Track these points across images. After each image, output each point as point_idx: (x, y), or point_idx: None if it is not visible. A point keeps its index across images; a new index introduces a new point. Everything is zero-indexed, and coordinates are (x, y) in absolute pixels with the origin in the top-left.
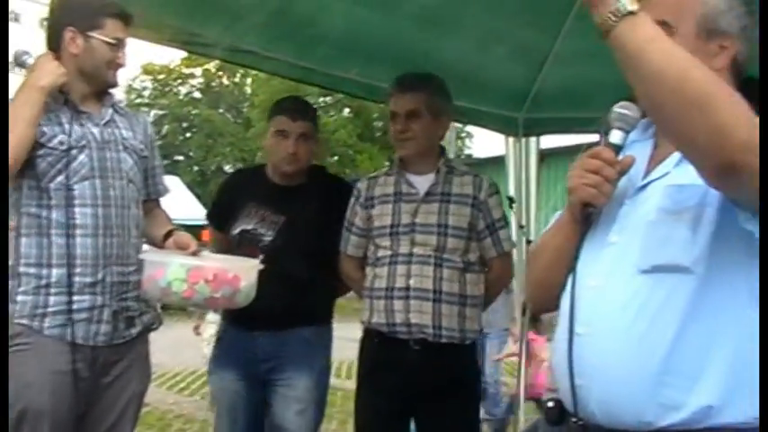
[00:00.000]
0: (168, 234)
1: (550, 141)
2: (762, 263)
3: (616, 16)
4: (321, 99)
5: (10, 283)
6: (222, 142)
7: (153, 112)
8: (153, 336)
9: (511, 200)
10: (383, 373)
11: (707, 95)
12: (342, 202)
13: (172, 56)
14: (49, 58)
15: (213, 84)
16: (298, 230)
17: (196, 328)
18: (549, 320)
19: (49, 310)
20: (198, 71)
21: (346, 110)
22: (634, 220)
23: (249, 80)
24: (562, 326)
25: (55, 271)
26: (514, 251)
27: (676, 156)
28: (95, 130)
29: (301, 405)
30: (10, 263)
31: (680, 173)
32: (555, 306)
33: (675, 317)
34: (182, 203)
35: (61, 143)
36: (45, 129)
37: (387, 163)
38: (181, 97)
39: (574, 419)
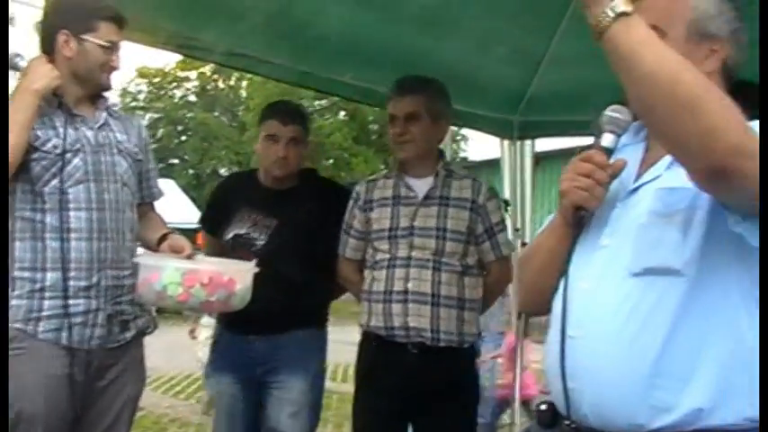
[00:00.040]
0: (163, 237)
1: (545, 144)
2: (762, 264)
3: (610, 17)
4: (316, 102)
5: None
6: (217, 146)
7: (148, 116)
8: (148, 339)
9: (506, 203)
10: (381, 376)
11: (698, 98)
12: (334, 205)
13: (167, 59)
14: (42, 60)
15: (208, 87)
16: (290, 233)
17: (192, 332)
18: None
19: (44, 314)
20: (193, 74)
21: (341, 113)
22: (625, 224)
23: (244, 83)
24: (554, 329)
25: (49, 275)
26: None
27: (667, 159)
28: (90, 134)
29: (295, 408)
30: None
31: (671, 176)
32: (547, 309)
33: (666, 319)
34: (177, 207)
35: (55, 147)
36: (39, 132)
37: (382, 166)
38: (176, 100)
39: (566, 422)
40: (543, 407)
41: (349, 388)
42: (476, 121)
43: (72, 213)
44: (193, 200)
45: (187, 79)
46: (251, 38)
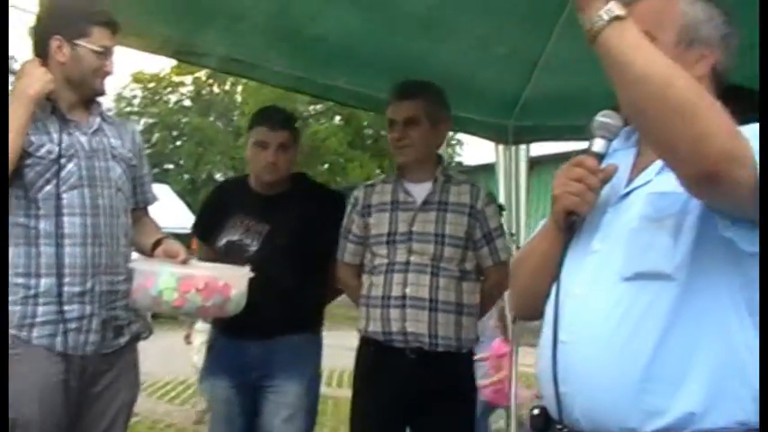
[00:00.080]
0: (157, 242)
1: (540, 149)
2: (762, 265)
3: (603, 21)
4: (311, 107)
5: None
6: (212, 151)
7: (143, 121)
8: (143, 344)
9: (501, 207)
10: (379, 381)
11: (689, 103)
12: (325, 209)
13: (162, 64)
14: (35, 64)
15: (203, 92)
16: (282, 239)
17: (187, 337)
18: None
19: (38, 320)
20: (188, 79)
21: (337, 118)
22: (617, 228)
23: (239, 88)
24: (546, 334)
25: (43, 281)
26: None
27: (658, 164)
28: (83, 139)
29: (290, 411)
30: None
31: (662, 181)
32: (539, 314)
33: (658, 324)
34: (172, 212)
35: (49, 152)
36: (32, 138)
37: (378, 171)
38: (171, 106)
39: (559, 426)
40: (536, 411)
41: (344, 393)
42: (471, 125)
43: (66, 219)
44: (188, 205)
45: (182, 84)
46: (246, 43)
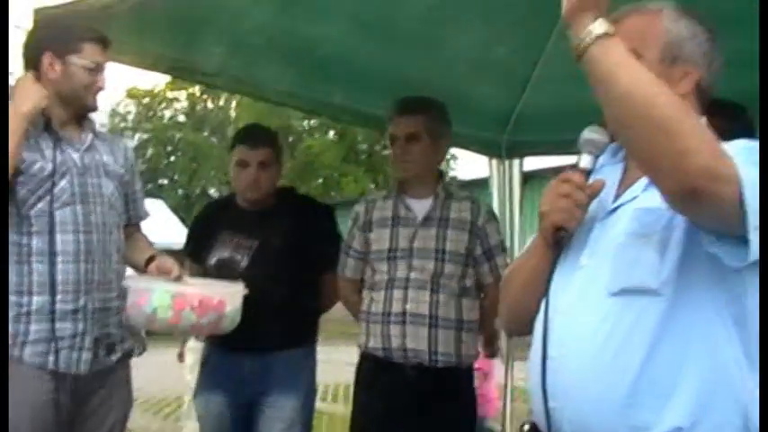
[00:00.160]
0: (150, 259)
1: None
2: (762, 266)
3: (590, 38)
4: (306, 122)
5: None
6: (207, 166)
7: (137, 136)
8: (136, 360)
9: None
10: (379, 396)
11: (672, 120)
12: (313, 221)
13: (156, 80)
14: (29, 80)
15: (198, 107)
16: (272, 253)
17: (180, 356)
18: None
19: (30, 338)
20: (182, 95)
21: (331, 133)
22: (604, 244)
23: (234, 104)
24: (536, 349)
25: (36, 298)
26: None
27: (645, 180)
28: (76, 156)
29: (286, 425)
30: None
31: (648, 196)
32: (529, 330)
33: (645, 339)
34: (166, 227)
35: (42, 169)
36: (25, 155)
37: (372, 185)
38: (165, 121)
39: None
40: (526, 427)
41: (339, 408)
42: (464, 140)
43: (59, 236)
44: (183, 220)
45: (176, 100)
46: (241, 59)
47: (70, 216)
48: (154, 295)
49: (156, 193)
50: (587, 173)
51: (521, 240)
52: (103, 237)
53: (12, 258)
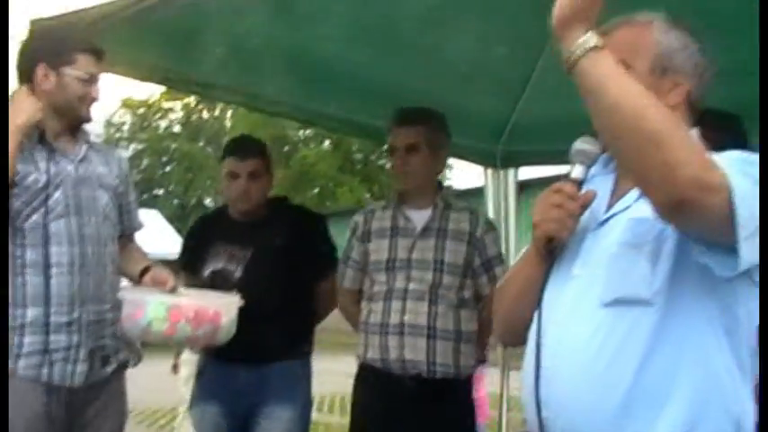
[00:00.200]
0: (145, 270)
1: (529, 172)
2: (762, 267)
3: (580, 51)
4: (301, 132)
5: None
6: (202, 176)
7: (132, 147)
8: (131, 372)
9: None
10: (378, 407)
11: (660, 132)
12: (305, 230)
13: (151, 90)
14: (24, 93)
15: (193, 118)
16: (265, 262)
17: (174, 367)
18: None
19: (24, 350)
20: (178, 105)
21: (326, 142)
22: (596, 254)
23: (229, 114)
24: (529, 359)
25: (30, 311)
26: None
27: (637, 190)
28: (70, 168)
29: None
30: None
31: (640, 206)
32: (523, 340)
33: (637, 349)
34: (162, 238)
35: (36, 181)
36: (18, 167)
37: (367, 195)
38: (160, 131)
39: None
40: None
41: (334, 419)
42: (459, 150)
43: (53, 248)
44: (178, 230)
45: (171, 110)
46: (236, 70)
47: (64, 228)
48: (149, 307)
49: (152, 203)
50: (579, 183)
51: (516, 249)
52: (98, 248)
53: None
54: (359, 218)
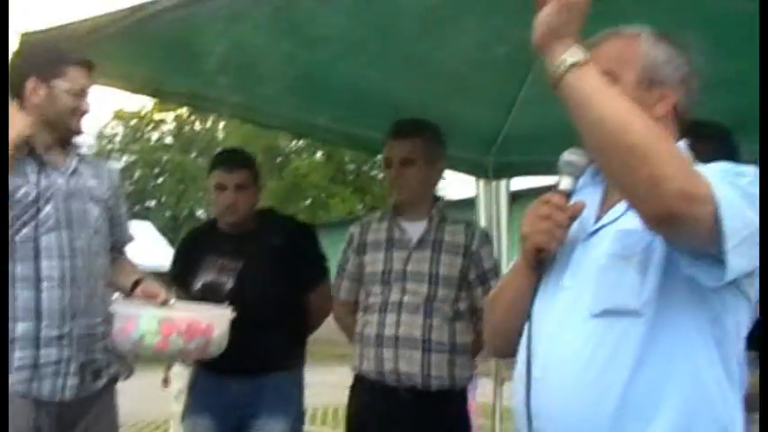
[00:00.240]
0: (136, 282)
1: (521, 183)
2: (762, 268)
3: (564, 66)
4: (293, 143)
5: None
6: (194, 187)
7: (124, 158)
8: (122, 384)
9: None
10: (373, 419)
11: (646, 146)
12: (295, 241)
13: (144, 102)
14: (13, 108)
15: (185, 129)
16: (256, 274)
17: (165, 381)
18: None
19: (14, 365)
20: (170, 117)
21: (318, 153)
22: (586, 265)
23: (221, 125)
24: (520, 370)
25: (20, 325)
26: None
27: (626, 201)
28: (61, 181)
29: None
30: None
31: (629, 218)
32: (514, 352)
33: (627, 360)
34: (154, 249)
35: (27, 195)
36: (9, 181)
37: (360, 206)
38: (152, 143)
39: None
40: None
41: (327, 431)
42: (451, 161)
43: (44, 262)
44: (171, 242)
45: (163, 122)
46: (226, 82)
47: (55, 241)
48: (141, 321)
49: (144, 214)
50: (568, 194)
51: (508, 259)
52: (89, 262)
53: None
54: (355, 229)
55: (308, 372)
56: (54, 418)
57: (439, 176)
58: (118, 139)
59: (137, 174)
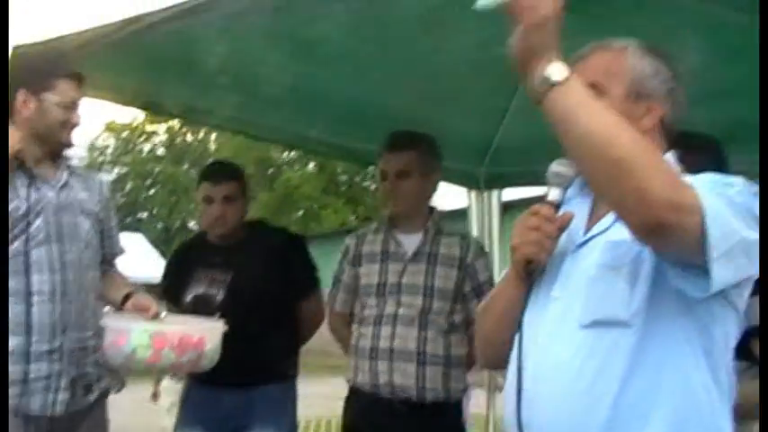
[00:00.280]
0: (127, 296)
1: (513, 193)
2: (762, 269)
3: (546, 85)
4: (285, 154)
5: None
6: (186, 199)
7: (116, 170)
8: (114, 397)
9: None
10: (367, 431)
11: (632, 158)
12: (285, 251)
13: (135, 113)
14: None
15: (177, 140)
16: (246, 285)
17: (154, 396)
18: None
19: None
20: (161, 128)
21: (311, 164)
22: (575, 276)
23: (213, 136)
24: (510, 381)
25: (10, 340)
26: None
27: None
28: (51, 194)
29: None
30: None
31: (618, 229)
32: (504, 363)
33: (617, 371)
34: (146, 261)
35: (17, 209)
36: None
37: (352, 217)
38: (144, 154)
39: None
40: None
41: None
42: (442, 172)
43: (35, 276)
44: (162, 254)
45: (155, 133)
46: (215, 95)
47: (46, 255)
48: (133, 335)
49: (136, 226)
50: (556, 205)
51: (500, 270)
52: (80, 275)
53: None
54: (350, 241)
55: (302, 383)
56: None
57: (434, 189)
58: (109, 150)
59: (128, 185)
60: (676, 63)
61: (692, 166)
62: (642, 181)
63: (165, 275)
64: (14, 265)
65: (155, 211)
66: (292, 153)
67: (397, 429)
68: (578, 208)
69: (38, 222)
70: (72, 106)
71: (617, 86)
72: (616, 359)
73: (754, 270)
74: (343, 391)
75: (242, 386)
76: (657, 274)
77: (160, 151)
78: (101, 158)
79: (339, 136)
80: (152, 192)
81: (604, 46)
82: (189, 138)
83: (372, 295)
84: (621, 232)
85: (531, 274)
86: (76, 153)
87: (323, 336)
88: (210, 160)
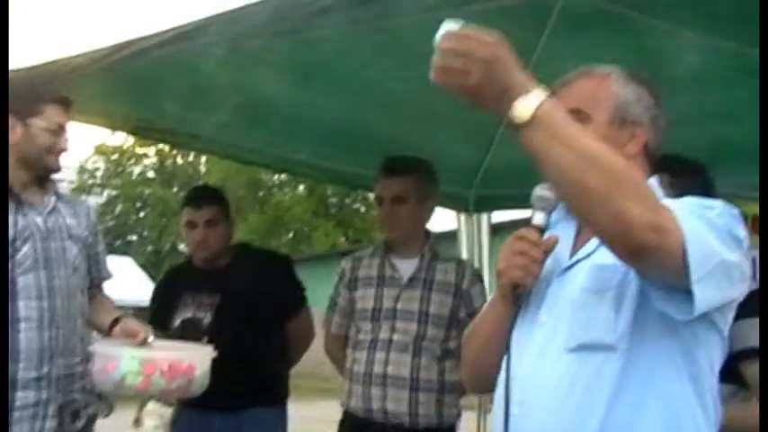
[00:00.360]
0: (115, 321)
1: (502, 215)
2: (762, 271)
3: (519, 120)
4: (276, 176)
5: None
6: (176, 221)
7: (106, 193)
8: (100, 422)
9: None
10: None
11: (611, 184)
12: (271, 271)
13: (125, 136)
14: None
15: (167, 163)
16: (233, 308)
17: (136, 421)
18: None
19: None
20: (151, 151)
21: (301, 187)
22: (561, 300)
23: (203, 159)
24: (498, 405)
25: None
26: None
27: None
28: (39, 220)
29: None
30: None
31: (603, 253)
32: (491, 387)
33: (603, 394)
34: (136, 284)
35: None
36: None
37: (343, 239)
38: (134, 177)
39: None
40: None
41: None
42: None
43: (22, 303)
44: (152, 277)
45: (145, 156)
46: (206, 119)
47: (33, 282)
48: (122, 361)
49: (125, 249)
50: (541, 229)
51: (491, 292)
52: (67, 302)
53: None
54: (346, 264)
55: (292, 406)
56: None
57: (430, 214)
58: (99, 173)
59: (118, 208)
60: (658, 90)
61: (679, 190)
62: (621, 205)
63: (153, 300)
64: None
65: (144, 234)
66: (282, 176)
67: None
68: (564, 231)
69: (25, 249)
70: (59, 131)
71: (601, 113)
72: (602, 383)
73: (737, 293)
74: (333, 414)
75: (232, 410)
76: (642, 298)
77: (150, 174)
78: (90, 181)
79: (328, 160)
80: (142, 214)
81: (588, 72)
82: (179, 160)
83: (367, 320)
84: (607, 256)
85: (518, 298)
86: (66, 176)
87: (313, 358)
88: (200, 182)
